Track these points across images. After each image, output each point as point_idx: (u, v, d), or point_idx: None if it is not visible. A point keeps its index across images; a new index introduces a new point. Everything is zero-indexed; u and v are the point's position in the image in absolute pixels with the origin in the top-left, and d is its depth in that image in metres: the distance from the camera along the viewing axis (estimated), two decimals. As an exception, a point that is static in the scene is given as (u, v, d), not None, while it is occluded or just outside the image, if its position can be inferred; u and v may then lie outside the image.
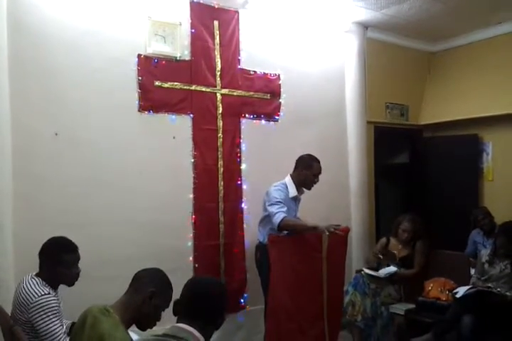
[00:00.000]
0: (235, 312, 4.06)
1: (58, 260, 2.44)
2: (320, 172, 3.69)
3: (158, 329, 1.93)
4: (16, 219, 3.15)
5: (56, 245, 2.49)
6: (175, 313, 1.81)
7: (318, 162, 3.70)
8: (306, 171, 3.66)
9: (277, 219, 3.38)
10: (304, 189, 3.77)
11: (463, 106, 5.44)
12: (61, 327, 2.33)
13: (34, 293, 2.32)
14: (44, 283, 2.41)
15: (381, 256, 4.28)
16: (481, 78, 5.35)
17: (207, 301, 1.80)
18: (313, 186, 3.73)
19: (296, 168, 3.74)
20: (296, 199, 3.75)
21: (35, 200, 3.27)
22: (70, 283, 2.53)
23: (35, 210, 3.25)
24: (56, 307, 2.33)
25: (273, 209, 3.45)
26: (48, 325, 2.28)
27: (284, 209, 3.45)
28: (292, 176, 3.72)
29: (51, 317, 2.29)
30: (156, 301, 1.97)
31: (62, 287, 2.55)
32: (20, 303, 2.34)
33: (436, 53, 5.94)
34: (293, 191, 3.65)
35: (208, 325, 1.79)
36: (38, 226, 3.14)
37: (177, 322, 1.77)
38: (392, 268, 4.18)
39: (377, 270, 4.19)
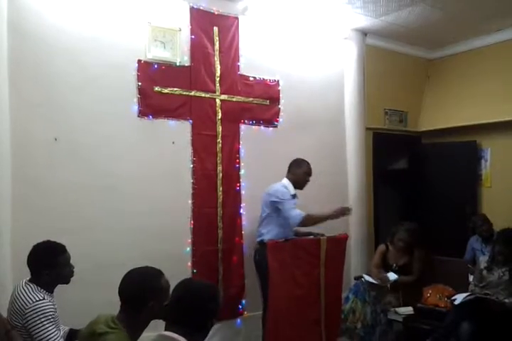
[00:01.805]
0: (234, 318, 4.07)
1: (54, 264, 2.45)
2: (311, 173, 3.89)
3: (145, 336, 1.90)
4: (14, 223, 3.15)
5: (47, 250, 2.49)
6: (164, 318, 1.77)
7: (309, 163, 3.91)
8: (299, 170, 3.86)
9: (297, 217, 3.58)
10: (298, 190, 3.87)
11: (462, 112, 5.46)
12: (57, 332, 2.32)
13: (29, 299, 2.31)
14: (39, 288, 2.40)
15: (382, 271, 4.26)
16: (480, 85, 5.37)
17: (196, 303, 1.74)
18: (305, 185, 3.89)
19: (289, 169, 3.91)
20: (295, 198, 3.82)
21: (34, 205, 3.27)
22: (68, 280, 2.55)
23: (33, 215, 3.25)
24: (51, 313, 2.32)
25: (287, 205, 3.64)
26: (42, 330, 2.27)
27: (294, 207, 3.66)
28: (288, 178, 3.87)
29: (46, 323, 2.28)
30: (159, 305, 1.86)
31: (58, 291, 2.54)
32: (15, 310, 2.33)
33: (435, 60, 5.97)
34: (291, 189, 3.80)
35: (196, 330, 1.73)
36: (36, 231, 3.12)
37: (165, 329, 1.71)
38: (394, 276, 4.17)
39: None
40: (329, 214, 3.67)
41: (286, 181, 3.83)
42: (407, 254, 4.36)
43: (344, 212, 3.71)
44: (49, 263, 2.44)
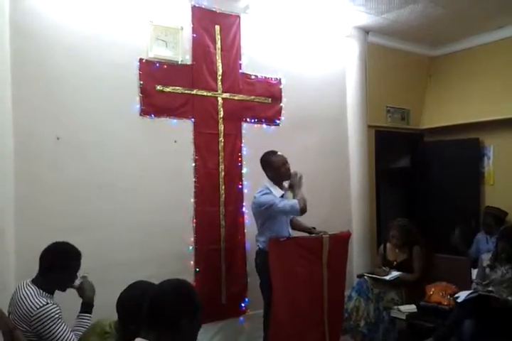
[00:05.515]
0: (236, 317, 4.08)
1: (69, 265, 2.47)
2: (284, 161, 3.68)
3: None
4: (17, 222, 3.16)
5: (70, 251, 2.50)
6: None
7: (275, 153, 3.71)
8: (271, 168, 3.68)
9: (295, 206, 3.44)
10: (288, 182, 3.73)
11: (464, 110, 5.44)
12: (68, 330, 2.35)
13: (32, 306, 2.31)
14: (41, 291, 2.40)
15: (386, 269, 4.28)
16: (482, 82, 5.35)
17: (157, 302, 1.60)
18: (289, 175, 3.69)
19: (264, 170, 3.74)
20: (283, 196, 3.71)
21: (37, 204, 3.27)
22: (68, 286, 2.55)
23: (36, 214, 3.25)
24: (58, 315, 2.33)
25: (278, 204, 3.48)
26: (54, 334, 2.29)
27: (284, 201, 3.53)
28: (269, 178, 3.71)
29: (54, 326, 2.30)
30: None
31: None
32: (19, 315, 2.33)
33: (437, 58, 5.95)
34: (277, 191, 3.65)
35: (173, 333, 1.58)
36: (39, 230, 3.14)
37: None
38: (397, 272, 4.19)
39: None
40: (296, 186, 3.59)
41: (269, 183, 3.69)
42: (407, 251, 4.37)
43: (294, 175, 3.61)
44: (65, 264, 2.45)
